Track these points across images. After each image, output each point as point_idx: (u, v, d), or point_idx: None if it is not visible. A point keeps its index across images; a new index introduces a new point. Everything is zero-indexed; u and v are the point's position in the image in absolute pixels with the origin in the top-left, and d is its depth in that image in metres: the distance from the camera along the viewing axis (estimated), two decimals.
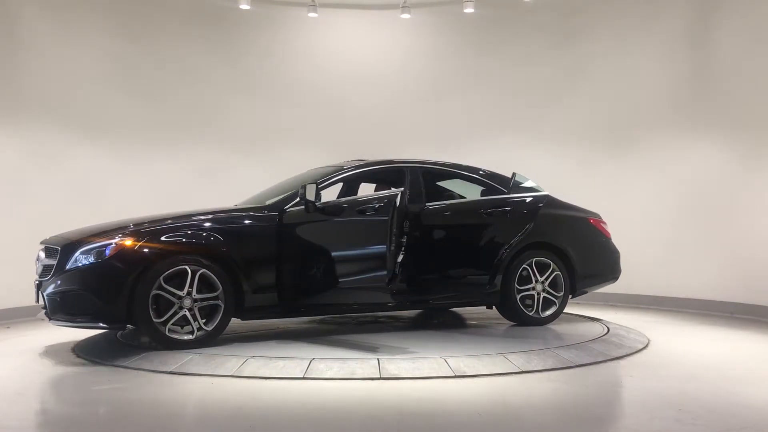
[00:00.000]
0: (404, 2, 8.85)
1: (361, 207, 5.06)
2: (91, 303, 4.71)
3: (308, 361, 4.44)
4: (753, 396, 3.99)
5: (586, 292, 6.44)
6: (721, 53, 7.56)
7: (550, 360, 4.67)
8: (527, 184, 6.32)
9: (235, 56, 8.84)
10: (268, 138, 8.86)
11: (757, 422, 3.47)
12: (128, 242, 4.75)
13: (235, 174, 8.61)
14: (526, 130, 8.87)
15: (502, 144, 8.83)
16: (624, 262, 6.53)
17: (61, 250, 4.85)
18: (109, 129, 8.03)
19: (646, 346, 5.44)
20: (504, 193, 6.14)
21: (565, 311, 6.16)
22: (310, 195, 5.04)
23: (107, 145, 8.03)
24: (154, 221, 5.03)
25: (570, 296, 6.16)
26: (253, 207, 5.46)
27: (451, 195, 6.25)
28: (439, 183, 6.33)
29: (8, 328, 6.46)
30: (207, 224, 5.06)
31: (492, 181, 6.22)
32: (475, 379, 4.28)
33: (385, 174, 6.11)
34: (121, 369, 4.53)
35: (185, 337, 4.83)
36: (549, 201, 6.22)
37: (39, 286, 5.00)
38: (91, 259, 4.73)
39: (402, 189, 5.34)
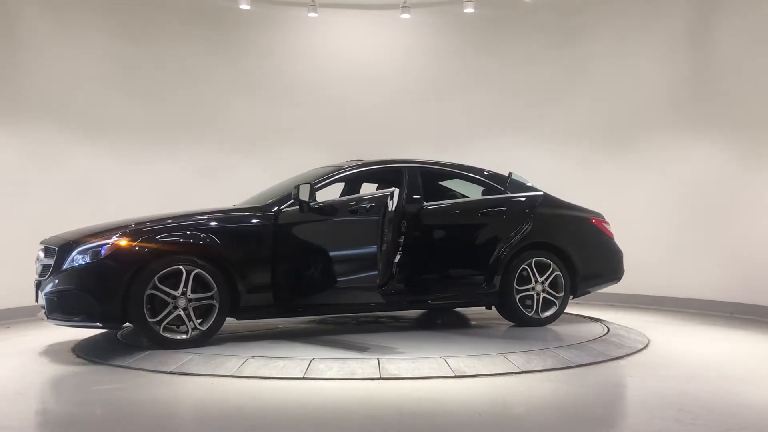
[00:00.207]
0: (404, 2, 8.85)
1: (353, 207, 5.07)
2: (87, 302, 4.74)
3: (308, 361, 4.44)
4: (753, 396, 3.99)
5: (589, 293, 6.41)
6: (721, 53, 7.55)
7: (550, 360, 4.67)
8: (524, 183, 6.29)
9: (235, 56, 8.84)
10: (268, 138, 8.86)
11: (757, 422, 3.47)
12: (123, 242, 4.78)
13: (235, 174, 8.61)
14: (526, 130, 8.87)
15: (502, 144, 8.83)
16: (624, 262, 6.51)
17: (57, 249, 4.89)
18: (109, 129, 8.04)
19: (646, 346, 5.44)
20: (503, 193, 6.13)
21: (565, 311, 6.14)
22: (304, 195, 5.05)
23: (107, 145, 8.03)
24: (154, 221, 5.05)
25: (571, 297, 6.14)
26: (249, 207, 5.46)
27: (453, 195, 6.25)
28: (439, 183, 6.32)
29: (8, 328, 6.46)
30: (202, 224, 5.07)
31: (492, 181, 6.20)
32: (475, 379, 4.28)
33: (384, 174, 6.11)
34: (121, 369, 4.53)
35: (179, 337, 4.86)
36: (546, 200, 6.19)
37: (38, 286, 5.03)
38: (87, 259, 4.76)
39: (393, 189, 5.35)
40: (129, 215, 5.52)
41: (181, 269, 4.82)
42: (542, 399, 3.95)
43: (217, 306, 4.93)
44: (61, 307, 4.81)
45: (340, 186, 6.51)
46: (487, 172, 6.30)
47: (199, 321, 4.90)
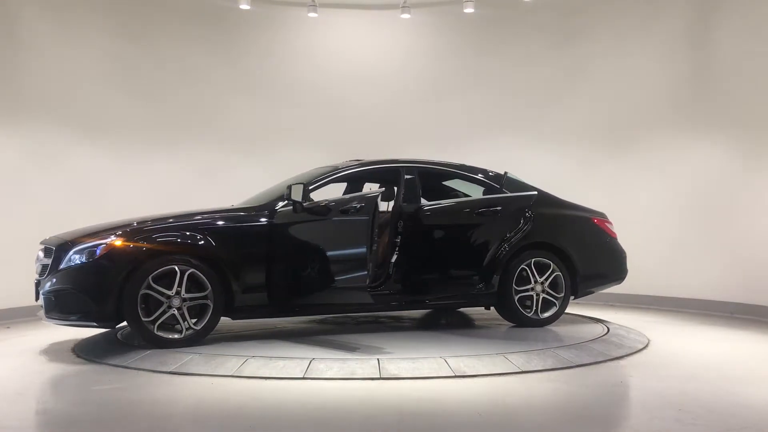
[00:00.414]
0: (404, 2, 8.85)
1: (344, 207, 5.06)
2: (83, 302, 4.79)
3: (308, 361, 4.44)
4: (753, 396, 3.99)
5: (591, 293, 6.39)
6: (721, 53, 7.55)
7: (550, 360, 4.67)
8: (519, 182, 6.25)
9: (235, 56, 8.85)
10: (268, 138, 8.86)
11: (757, 422, 3.47)
12: (118, 242, 4.81)
13: (235, 174, 8.61)
14: (526, 130, 8.87)
15: (502, 144, 8.83)
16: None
17: (55, 249, 4.93)
18: (109, 129, 8.04)
19: (646, 346, 5.43)
20: (501, 193, 6.11)
21: (565, 311, 6.14)
22: (296, 195, 5.06)
23: (107, 145, 8.04)
24: (155, 220, 5.09)
25: (572, 297, 6.12)
26: (245, 207, 5.47)
27: (456, 195, 6.24)
28: (440, 183, 6.31)
29: (8, 328, 6.46)
30: (197, 225, 5.08)
31: (491, 181, 6.18)
32: (475, 379, 4.28)
33: (381, 174, 6.11)
34: (121, 369, 4.54)
35: (173, 336, 4.88)
36: (544, 200, 6.16)
37: (38, 285, 5.06)
38: (83, 259, 4.80)
39: (383, 189, 5.33)
40: (129, 215, 5.52)
41: (175, 269, 4.84)
42: (542, 399, 3.95)
43: (212, 306, 4.96)
44: (58, 307, 4.86)
45: (342, 186, 6.50)
46: (487, 172, 6.28)
47: (193, 321, 4.92)
